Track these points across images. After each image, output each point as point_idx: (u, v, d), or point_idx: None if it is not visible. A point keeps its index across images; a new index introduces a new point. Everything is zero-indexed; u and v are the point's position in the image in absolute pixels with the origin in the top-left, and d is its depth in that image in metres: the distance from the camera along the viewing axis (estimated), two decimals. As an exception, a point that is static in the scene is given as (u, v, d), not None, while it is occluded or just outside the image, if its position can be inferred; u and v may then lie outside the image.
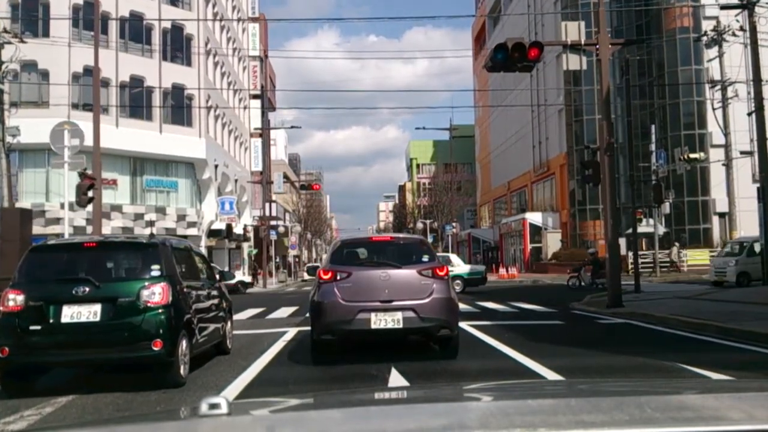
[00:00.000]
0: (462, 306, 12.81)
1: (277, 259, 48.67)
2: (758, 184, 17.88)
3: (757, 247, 22.11)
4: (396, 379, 6.82)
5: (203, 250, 31.93)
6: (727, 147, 31.60)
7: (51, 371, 7.30)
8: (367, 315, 7.65)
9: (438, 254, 9.52)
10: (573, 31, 14.78)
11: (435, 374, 7.23)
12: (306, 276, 45.04)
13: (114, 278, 6.95)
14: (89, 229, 24.03)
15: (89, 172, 16.73)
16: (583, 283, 23.63)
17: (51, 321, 6.46)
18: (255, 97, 53.49)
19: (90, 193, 16.60)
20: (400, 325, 7.66)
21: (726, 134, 30.13)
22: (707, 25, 29.29)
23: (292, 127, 49.72)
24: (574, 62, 14.80)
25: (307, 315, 9.99)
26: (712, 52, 28.77)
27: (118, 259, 7.26)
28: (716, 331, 10.16)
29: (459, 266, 24.71)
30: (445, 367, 7.62)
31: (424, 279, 7.85)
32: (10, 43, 18.48)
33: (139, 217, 33.15)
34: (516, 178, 54.35)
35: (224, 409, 1.44)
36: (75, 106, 29.93)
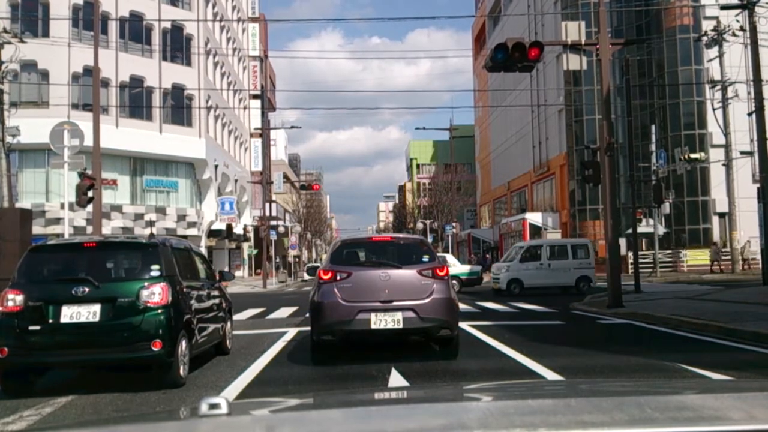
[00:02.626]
0: (462, 306, 12.81)
1: (277, 259, 48.63)
2: (758, 184, 17.89)
3: (545, 253, 21.17)
4: (396, 379, 6.81)
5: (203, 251, 31.95)
6: (727, 147, 31.62)
7: (50, 371, 7.29)
8: (367, 315, 7.64)
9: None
10: (573, 31, 14.78)
11: (435, 374, 7.22)
12: (306, 276, 45.02)
13: (113, 278, 6.94)
14: (89, 229, 24.04)
15: (89, 172, 16.73)
16: None
17: (50, 321, 6.45)
18: (255, 97, 53.55)
19: (90, 193, 16.59)
20: (400, 326, 7.66)
21: (726, 134, 30.15)
22: (707, 25, 29.28)
23: (292, 127, 49.64)
24: (574, 62, 14.80)
25: (307, 315, 9.99)
26: (712, 52, 28.78)
27: (117, 259, 7.25)
28: (717, 332, 10.14)
29: (455, 266, 24.71)
30: (445, 367, 7.61)
31: (424, 279, 7.85)
32: (9, 43, 18.46)
33: (139, 217, 33.17)
34: (516, 178, 54.32)
35: (224, 409, 1.43)
36: (75, 106, 29.95)
